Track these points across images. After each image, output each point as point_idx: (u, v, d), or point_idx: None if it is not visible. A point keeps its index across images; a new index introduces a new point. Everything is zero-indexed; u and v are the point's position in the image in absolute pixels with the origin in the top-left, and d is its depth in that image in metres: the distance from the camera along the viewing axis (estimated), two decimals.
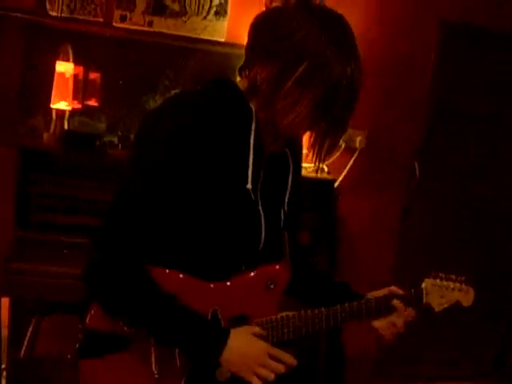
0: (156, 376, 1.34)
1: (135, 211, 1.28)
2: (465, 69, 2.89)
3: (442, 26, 2.81)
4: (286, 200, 1.49)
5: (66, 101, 2.59)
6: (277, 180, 1.48)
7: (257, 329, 1.38)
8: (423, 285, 1.54)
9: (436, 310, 1.54)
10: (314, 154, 1.35)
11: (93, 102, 2.74)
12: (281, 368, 1.34)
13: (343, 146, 2.77)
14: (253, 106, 1.36)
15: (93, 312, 1.36)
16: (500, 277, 3.20)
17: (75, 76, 2.63)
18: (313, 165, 2.70)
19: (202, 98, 1.35)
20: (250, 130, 1.36)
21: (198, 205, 1.32)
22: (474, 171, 3.05)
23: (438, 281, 1.55)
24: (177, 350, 1.34)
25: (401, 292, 1.51)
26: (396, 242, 2.94)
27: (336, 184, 2.78)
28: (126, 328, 1.33)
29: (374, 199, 2.87)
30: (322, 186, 2.72)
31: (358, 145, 2.78)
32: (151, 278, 1.31)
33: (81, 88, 2.68)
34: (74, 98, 2.63)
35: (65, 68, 2.58)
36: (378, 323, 1.49)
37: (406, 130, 2.84)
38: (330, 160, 2.75)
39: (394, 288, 1.53)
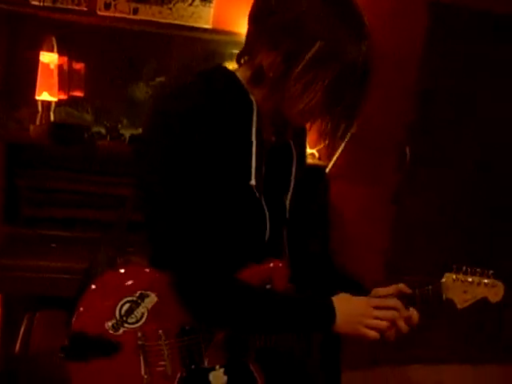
0: (145, 380, 1.32)
1: (194, 219, 1.24)
2: (455, 51, 2.86)
3: (432, 8, 2.78)
4: (291, 192, 1.46)
5: (51, 92, 2.54)
6: (280, 172, 1.44)
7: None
8: (443, 279, 1.47)
9: (459, 306, 1.48)
10: (327, 141, 1.32)
11: (78, 93, 2.70)
12: (388, 314, 1.35)
13: None
14: (253, 98, 1.31)
15: (80, 312, 1.33)
16: (493, 263, 3.20)
17: (60, 66, 2.58)
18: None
19: (201, 93, 1.28)
20: (252, 123, 1.31)
21: (206, 201, 1.27)
22: (467, 156, 3.04)
23: (460, 275, 1.48)
24: (167, 355, 1.33)
25: (408, 291, 1.45)
26: (388, 229, 2.93)
27: (327, 170, 2.76)
28: (113, 332, 1.31)
29: (365, 185, 2.87)
30: (313, 172, 2.70)
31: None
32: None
33: (66, 78, 2.64)
34: (60, 88, 2.59)
35: (49, 59, 2.54)
36: None
37: (397, 115, 2.83)
38: (321, 145, 2.74)
39: (402, 286, 1.47)
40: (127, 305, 1.31)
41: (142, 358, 1.32)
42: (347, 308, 1.35)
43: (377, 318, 1.35)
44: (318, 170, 2.71)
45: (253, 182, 1.32)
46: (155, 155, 1.27)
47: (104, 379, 1.33)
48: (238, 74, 1.33)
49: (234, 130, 1.30)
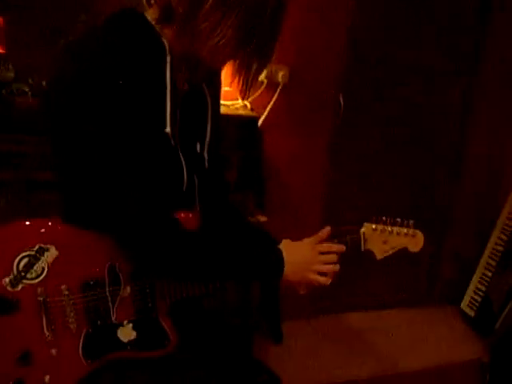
0: (48, 339, 1.26)
1: (115, 164, 1.17)
2: None
3: None
4: (208, 139, 1.41)
5: None
6: (195, 119, 1.38)
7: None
8: (362, 229, 1.45)
9: (378, 257, 1.46)
10: (239, 83, 1.27)
11: None
12: (334, 257, 1.37)
13: (265, 82, 2.68)
14: (165, 41, 1.24)
15: None
16: (431, 211, 3.23)
17: None
18: (235, 102, 2.63)
19: (109, 36, 1.20)
20: (165, 67, 1.24)
21: (124, 148, 1.19)
22: (401, 101, 3.01)
23: (379, 225, 1.45)
24: (71, 311, 1.27)
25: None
26: (324, 179, 2.90)
27: (260, 121, 2.70)
28: (11, 289, 1.24)
29: (300, 136, 2.81)
30: (245, 124, 2.63)
31: (280, 80, 2.69)
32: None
33: None
34: None
35: None
36: None
37: (329, 63, 2.76)
38: (253, 96, 2.67)
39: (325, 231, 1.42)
40: (25, 259, 1.24)
41: (43, 314, 1.26)
42: (294, 255, 1.34)
43: (325, 260, 1.35)
44: (250, 121, 2.64)
45: (168, 129, 1.26)
46: (65, 105, 1.18)
47: (2, 338, 1.26)
48: (148, 16, 1.25)
49: (147, 74, 1.23)
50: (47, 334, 1.27)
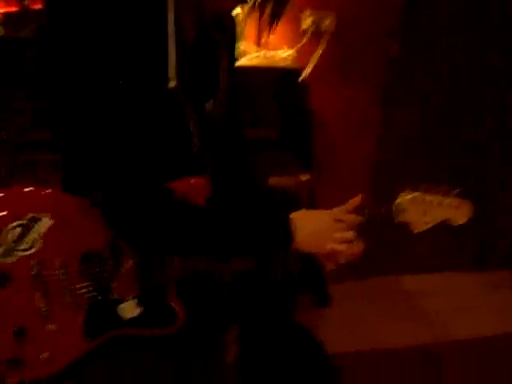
0: (44, 315, 1.17)
1: (111, 126, 1.05)
2: None
3: None
4: (222, 93, 1.26)
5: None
6: (205, 73, 1.23)
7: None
8: (398, 200, 1.27)
9: (415, 230, 1.29)
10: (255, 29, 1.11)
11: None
12: (353, 221, 1.23)
13: (310, 30, 2.47)
14: None
15: None
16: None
17: None
18: (275, 52, 2.44)
19: None
20: (166, 9, 1.09)
21: (121, 107, 1.07)
22: (463, 50, 2.71)
23: (417, 194, 1.27)
24: (68, 285, 1.16)
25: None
26: (375, 135, 2.68)
27: (304, 74, 2.51)
28: (2, 260, 1.14)
29: (349, 89, 2.60)
30: (288, 77, 2.45)
31: (326, 28, 2.48)
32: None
33: None
34: None
35: None
36: None
37: (382, 8, 2.51)
38: (297, 47, 2.48)
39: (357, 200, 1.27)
40: (17, 229, 1.14)
41: (37, 289, 1.16)
42: (308, 222, 1.20)
43: (341, 228, 1.21)
44: (293, 73, 2.46)
45: (172, 83, 1.10)
46: (57, 58, 1.05)
47: None
48: None
49: (145, 19, 1.07)
50: (43, 309, 1.17)
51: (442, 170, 2.76)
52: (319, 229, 1.20)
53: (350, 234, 1.21)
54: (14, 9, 2.35)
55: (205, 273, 1.25)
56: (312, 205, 2.36)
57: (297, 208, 1.26)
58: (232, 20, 1.32)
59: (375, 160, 2.72)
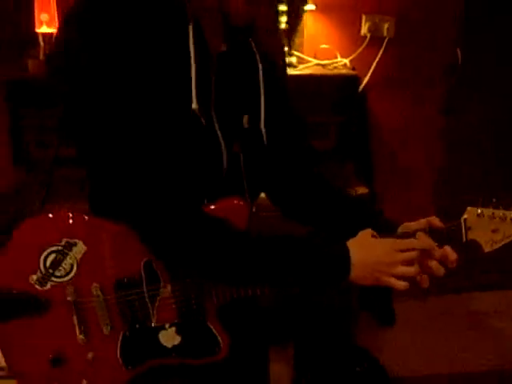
0: (82, 342, 1.13)
1: (138, 147, 1.00)
2: None
3: None
4: (263, 109, 1.17)
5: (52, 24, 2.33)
6: (241, 86, 1.16)
7: (369, 230, 1.13)
8: (465, 215, 1.15)
9: (486, 249, 1.16)
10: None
11: None
12: (413, 254, 1.09)
13: (368, 36, 2.38)
14: None
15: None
16: None
17: None
18: (333, 60, 2.36)
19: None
20: (186, 27, 1.03)
21: (146, 128, 1.02)
22: None
23: (487, 210, 1.14)
24: (105, 313, 1.12)
25: (440, 225, 1.15)
26: (438, 145, 2.54)
27: (363, 82, 2.41)
28: (40, 287, 1.11)
29: (410, 97, 2.48)
30: (345, 85, 2.35)
31: (385, 34, 2.37)
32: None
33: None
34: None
35: None
36: None
37: (445, 12, 2.38)
38: (355, 54, 2.38)
39: (434, 219, 1.16)
40: (52, 255, 1.11)
41: (75, 316, 1.13)
42: (367, 254, 1.09)
43: (403, 262, 1.08)
44: (350, 81, 2.36)
45: (194, 105, 1.05)
46: (76, 79, 1.02)
47: (33, 341, 1.15)
48: None
49: (162, 40, 1.01)
50: (80, 336, 1.14)
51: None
52: (377, 261, 1.08)
53: (410, 270, 1.08)
54: None
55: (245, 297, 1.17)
56: None
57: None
58: (274, 29, 1.24)
59: (438, 172, 2.57)
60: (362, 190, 2.19)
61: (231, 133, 1.14)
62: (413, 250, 1.09)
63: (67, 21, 1.04)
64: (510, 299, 2.82)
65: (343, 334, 1.52)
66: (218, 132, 1.11)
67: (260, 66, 1.16)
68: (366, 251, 1.09)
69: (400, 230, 1.18)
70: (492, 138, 2.62)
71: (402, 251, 1.09)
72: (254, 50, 1.16)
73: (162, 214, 1.03)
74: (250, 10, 1.03)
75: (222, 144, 1.12)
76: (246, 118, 1.17)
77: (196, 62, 1.03)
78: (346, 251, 1.08)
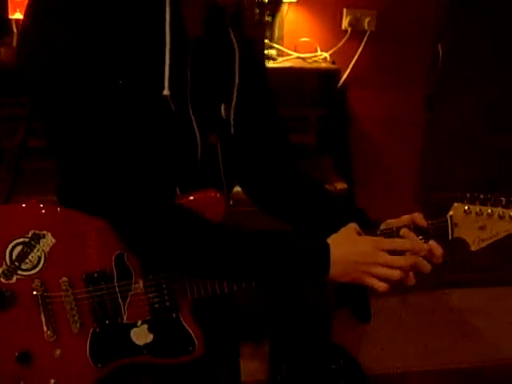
0: (49, 339, 1.08)
1: (107, 133, 0.95)
2: None
3: None
4: (235, 99, 1.13)
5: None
6: (217, 72, 1.11)
7: (354, 225, 1.08)
8: (451, 212, 1.11)
9: (473, 248, 1.13)
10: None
11: None
12: (401, 261, 1.04)
13: (349, 30, 2.35)
14: None
15: None
16: None
17: None
18: (313, 54, 2.33)
19: None
20: (164, 5, 0.97)
21: (117, 114, 0.97)
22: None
23: (475, 206, 1.11)
24: (73, 308, 1.07)
25: (424, 223, 1.11)
26: (419, 141, 2.53)
27: (344, 76, 2.38)
28: (5, 280, 1.06)
29: (391, 92, 2.46)
30: (326, 79, 2.33)
31: (366, 27, 2.35)
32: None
33: None
34: None
35: None
36: None
37: (426, 7, 2.36)
38: (335, 47, 2.36)
39: (417, 216, 1.11)
40: (19, 247, 1.05)
41: (42, 311, 1.08)
42: (347, 251, 1.04)
43: (387, 264, 1.03)
44: (331, 75, 2.33)
45: (166, 91, 1.00)
46: (47, 62, 0.96)
47: None
48: None
49: (138, 17, 0.97)
50: (48, 332, 1.08)
51: (492, 176, 2.59)
52: (358, 260, 1.04)
53: (394, 273, 1.03)
54: None
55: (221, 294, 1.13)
56: None
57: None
58: (251, 18, 1.21)
59: (419, 168, 2.56)
60: (340, 185, 2.17)
61: (208, 122, 1.10)
62: (400, 251, 1.05)
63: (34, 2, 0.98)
64: (490, 296, 2.83)
65: (319, 331, 1.49)
66: (194, 121, 1.07)
67: (237, 55, 1.12)
68: (347, 248, 1.05)
69: (382, 227, 1.14)
70: (474, 133, 2.61)
71: (388, 251, 1.04)
72: (233, 38, 1.12)
73: (132, 204, 0.99)
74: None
75: (197, 133, 1.08)
76: (223, 108, 1.13)
77: (171, 45, 0.98)
78: (326, 247, 1.04)
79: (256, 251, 1.04)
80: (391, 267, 1.03)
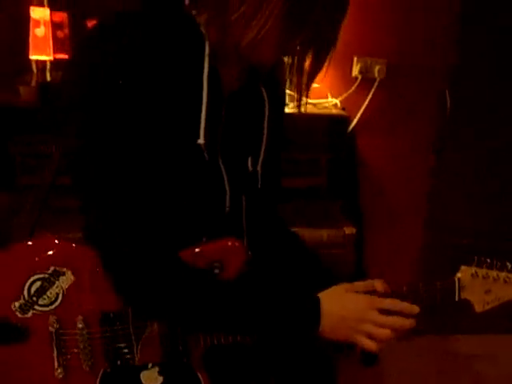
0: (59, 376, 1.09)
1: (128, 181, 0.97)
2: None
3: None
4: (262, 152, 1.16)
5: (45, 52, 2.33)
6: (247, 127, 1.15)
7: (347, 285, 1.10)
8: (459, 274, 1.15)
9: (478, 309, 1.16)
10: (291, 82, 1.06)
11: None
12: (396, 321, 1.05)
13: (359, 77, 2.41)
14: (204, 30, 1.02)
15: None
16: None
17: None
18: (323, 100, 2.38)
19: (135, 28, 0.97)
20: (203, 61, 1.02)
21: (144, 162, 1.00)
22: None
23: (481, 270, 1.15)
24: (86, 347, 1.09)
25: (382, 290, 1.11)
26: (426, 184, 2.56)
27: (353, 122, 2.43)
28: (21, 315, 1.08)
29: (399, 138, 2.50)
30: (335, 124, 2.38)
31: (376, 75, 2.40)
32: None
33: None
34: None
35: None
36: None
37: (434, 56, 2.42)
38: (346, 94, 2.41)
39: (377, 282, 1.12)
40: (38, 283, 1.08)
41: (55, 347, 1.09)
42: (341, 307, 1.06)
43: (377, 323, 1.05)
44: (341, 121, 2.38)
45: (201, 140, 1.03)
46: (79, 112, 1.00)
47: (8, 371, 1.10)
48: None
49: (179, 71, 1.01)
50: (59, 369, 1.10)
51: (500, 221, 2.60)
52: (350, 317, 1.05)
53: (386, 333, 1.05)
54: (64, 56, 2.39)
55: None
56: (359, 261, 2.25)
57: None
58: (281, 71, 1.25)
59: (427, 211, 2.58)
60: (349, 230, 2.19)
61: (236, 174, 1.13)
62: (395, 312, 1.07)
63: (81, 47, 1.03)
64: (493, 343, 2.81)
65: (325, 372, 1.50)
66: (223, 171, 1.10)
67: (267, 111, 1.16)
68: (339, 303, 1.06)
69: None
70: (483, 177, 2.64)
71: (380, 310, 1.06)
72: (264, 94, 1.16)
73: (129, 252, 1.00)
74: (255, 60, 1.03)
75: (227, 184, 1.11)
76: (250, 161, 1.16)
77: (208, 99, 1.02)
78: (317, 302, 1.06)
79: (248, 306, 1.05)
80: (381, 326, 1.04)
